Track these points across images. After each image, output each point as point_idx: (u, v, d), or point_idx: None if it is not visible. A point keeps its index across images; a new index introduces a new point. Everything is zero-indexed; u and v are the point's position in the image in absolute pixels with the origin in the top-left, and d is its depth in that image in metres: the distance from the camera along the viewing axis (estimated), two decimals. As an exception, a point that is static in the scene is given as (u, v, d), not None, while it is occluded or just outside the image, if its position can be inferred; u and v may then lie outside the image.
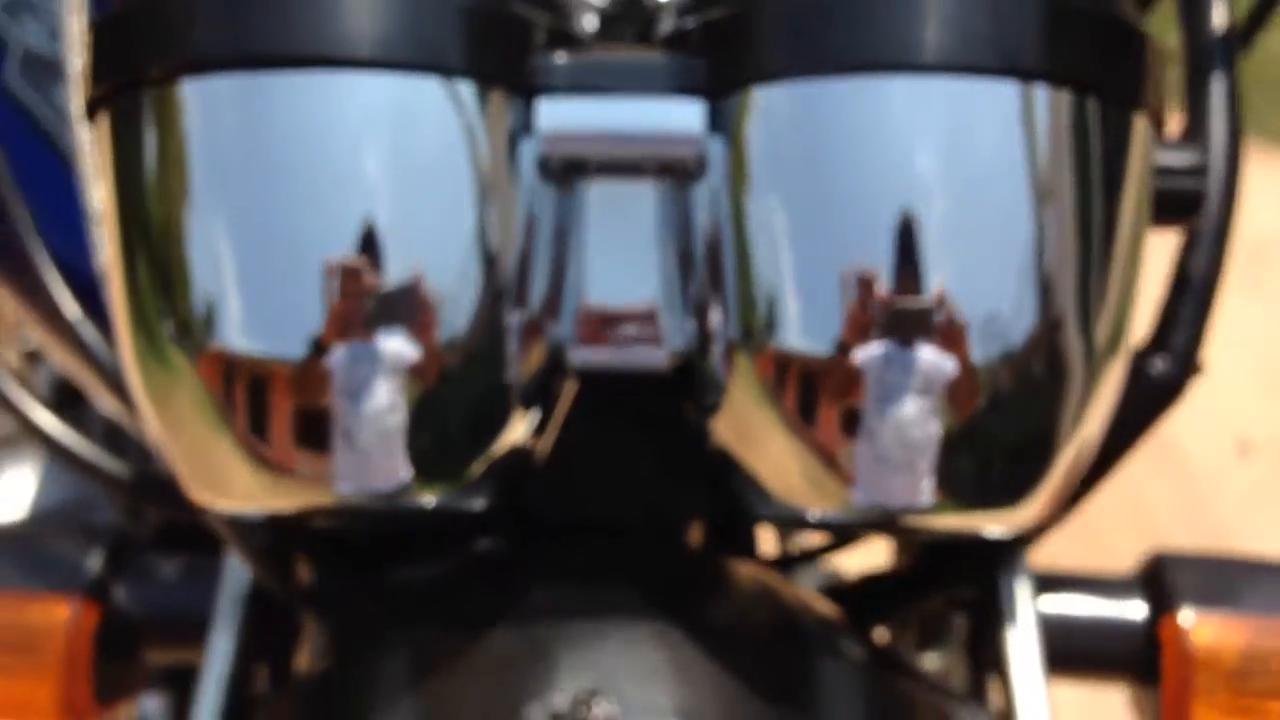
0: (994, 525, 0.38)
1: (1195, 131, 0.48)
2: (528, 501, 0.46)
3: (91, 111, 0.39)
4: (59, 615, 0.49)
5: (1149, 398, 0.47)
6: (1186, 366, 0.47)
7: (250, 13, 0.35)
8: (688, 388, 0.40)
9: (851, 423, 0.36)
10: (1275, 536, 1.73)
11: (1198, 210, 0.47)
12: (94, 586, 0.50)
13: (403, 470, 0.36)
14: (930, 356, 0.35)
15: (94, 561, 0.51)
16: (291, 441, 0.36)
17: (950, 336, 0.35)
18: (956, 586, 0.51)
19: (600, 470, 0.47)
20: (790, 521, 0.39)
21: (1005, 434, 0.36)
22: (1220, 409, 1.83)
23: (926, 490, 0.36)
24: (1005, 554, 0.49)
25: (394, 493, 0.37)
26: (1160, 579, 0.51)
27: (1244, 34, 0.52)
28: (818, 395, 0.36)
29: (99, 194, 0.40)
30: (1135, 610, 0.51)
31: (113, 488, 0.49)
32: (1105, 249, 0.37)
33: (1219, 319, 0.47)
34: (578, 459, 0.45)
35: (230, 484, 0.37)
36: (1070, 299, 0.36)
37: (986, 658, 0.49)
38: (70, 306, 0.48)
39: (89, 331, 0.48)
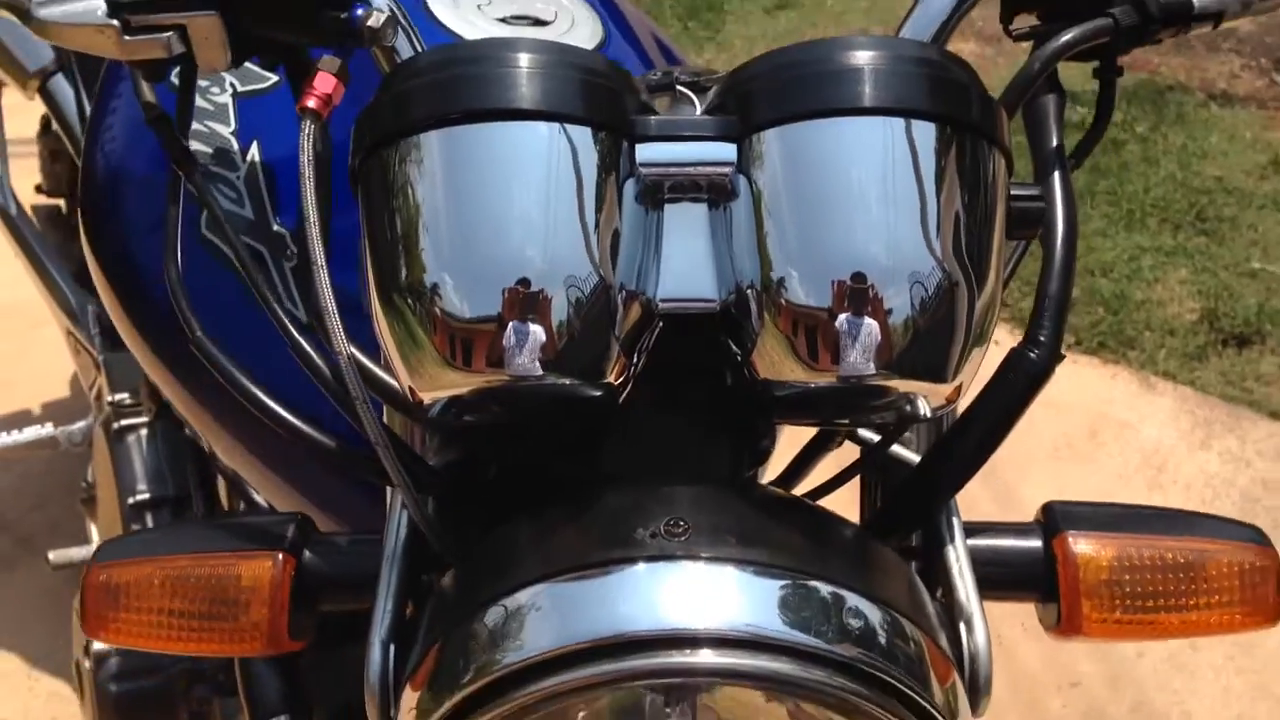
0: (918, 388, 0.57)
1: (1043, 183, 0.66)
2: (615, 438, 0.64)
3: (355, 177, 0.58)
4: (265, 569, 0.65)
5: (1028, 379, 0.64)
6: (1052, 357, 0.65)
7: (453, 87, 0.55)
8: (734, 338, 0.58)
9: (834, 339, 0.55)
10: None
11: (1039, 226, 0.65)
12: (290, 547, 0.66)
13: (539, 366, 0.55)
14: (868, 312, 0.55)
15: (288, 531, 0.67)
16: (483, 354, 0.55)
17: (880, 291, 0.55)
18: (909, 530, 0.67)
19: (666, 417, 0.65)
20: (804, 409, 0.58)
21: (918, 352, 0.56)
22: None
23: (873, 365, 0.55)
24: (941, 504, 0.66)
25: (524, 382, 0.55)
26: (1052, 517, 0.67)
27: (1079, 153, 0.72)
28: (815, 331, 0.55)
29: (364, 232, 0.58)
30: (1035, 540, 0.68)
31: (336, 461, 0.65)
32: (985, 232, 0.57)
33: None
34: (651, 406, 0.62)
35: (442, 379, 0.56)
36: (958, 262, 0.55)
37: (931, 582, 0.66)
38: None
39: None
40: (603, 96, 0.56)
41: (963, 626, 0.62)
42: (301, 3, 0.62)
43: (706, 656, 0.52)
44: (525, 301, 0.54)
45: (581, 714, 0.57)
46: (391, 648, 0.60)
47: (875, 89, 0.55)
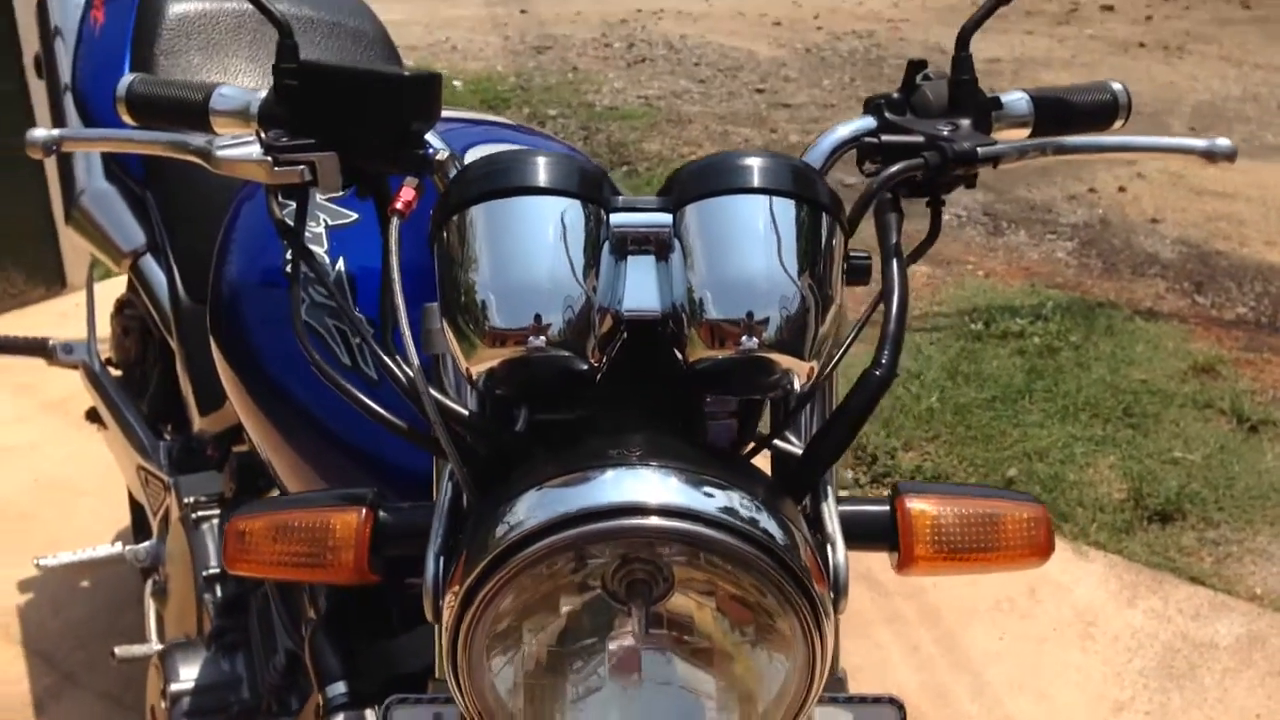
0: (788, 361, 0.85)
1: (884, 268, 0.95)
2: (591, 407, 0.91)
3: (432, 240, 0.88)
4: (352, 520, 0.91)
5: (873, 390, 0.91)
6: (889, 376, 0.92)
7: (494, 176, 0.86)
8: (672, 339, 0.86)
9: (734, 331, 0.84)
10: None
11: (868, 280, 0.94)
12: (370, 505, 0.93)
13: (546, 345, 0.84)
14: (753, 315, 0.84)
15: (368, 495, 0.94)
16: (511, 339, 0.84)
17: (761, 304, 0.84)
18: (800, 494, 0.93)
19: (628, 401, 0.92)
20: (719, 383, 0.87)
21: (782, 352, 0.85)
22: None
23: (757, 345, 0.84)
24: (819, 475, 0.91)
25: (538, 351, 0.83)
26: (896, 489, 0.94)
27: (914, 253, 1.02)
28: (724, 338, 0.84)
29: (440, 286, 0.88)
30: (885, 506, 0.94)
31: (404, 435, 0.92)
32: (827, 271, 0.86)
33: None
34: (619, 385, 0.90)
35: (485, 355, 0.84)
36: (810, 287, 0.84)
37: (814, 529, 0.92)
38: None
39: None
40: (590, 182, 0.87)
41: (829, 548, 0.89)
42: (393, 146, 0.94)
43: (653, 520, 0.78)
44: (539, 307, 0.83)
45: (566, 608, 0.83)
46: (441, 559, 0.87)
47: (758, 178, 0.86)
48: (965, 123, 1.01)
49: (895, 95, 1.05)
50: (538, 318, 0.84)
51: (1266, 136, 5.19)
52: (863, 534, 0.94)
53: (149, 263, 1.83)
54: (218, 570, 1.45)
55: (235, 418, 1.54)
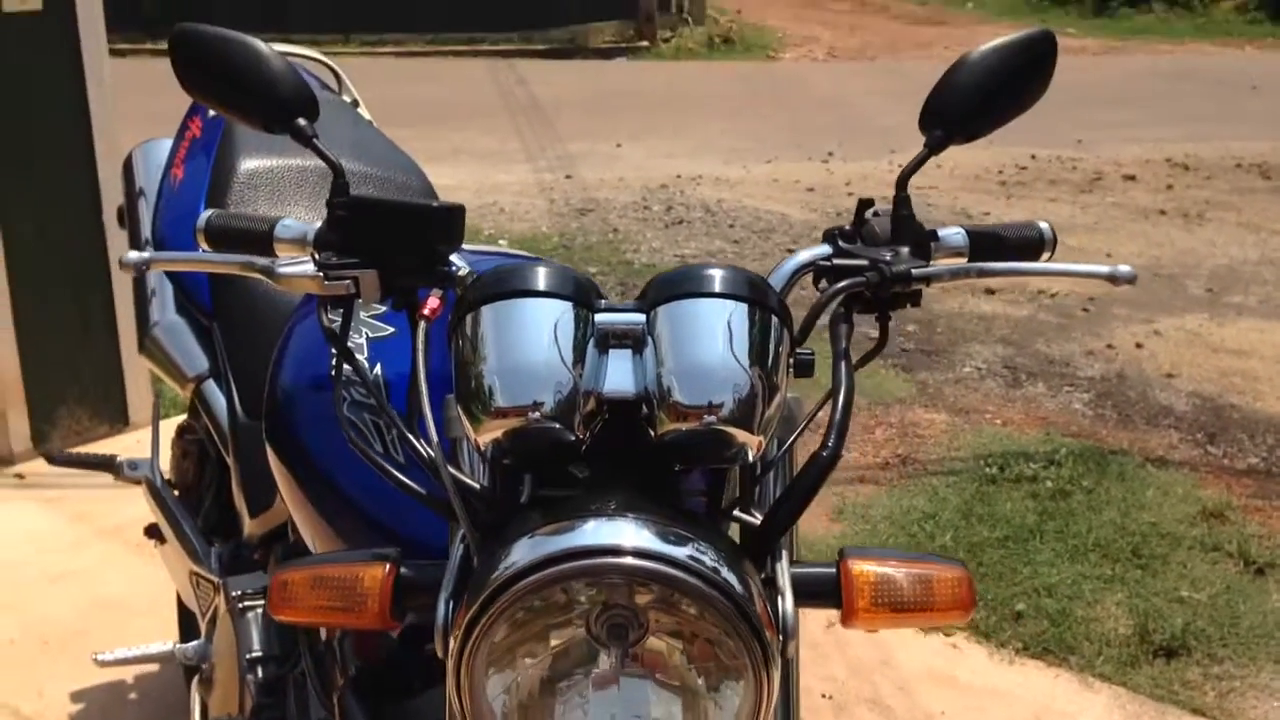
0: (740, 434, 1.00)
1: (834, 370, 1.12)
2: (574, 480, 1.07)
3: (450, 335, 1.06)
4: (378, 573, 1.07)
5: (821, 468, 1.07)
6: (834, 457, 1.07)
7: (500, 281, 1.05)
8: (645, 417, 1.02)
9: (694, 409, 1.00)
10: None
11: (811, 373, 1.11)
12: (393, 561, 1.09)
13: (540, 419, 1.00)
14: (711, 398, 1.00)
15: (392, 552, 1.10)
16: (513, 414, 1.00)
17: (716, 387, 1.00)
18: (759, 559, 1.07)
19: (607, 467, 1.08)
20: (685, 453, 1.03)
21: (735, 426, 1.01)
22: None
23: (715, 420, 1.00)
24: (775, 541, 1.07)
25: (533, 423, 1.00)
26: (842, 553, 1.09)
27: (863, 360, 1.19)
28: (687, 415, 1.00)
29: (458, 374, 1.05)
30: (832, 569, 1.08)
31: (425, 502, 1.09)
32: (774, 363, 1.03)
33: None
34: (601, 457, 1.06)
35: (491, 426, 1.01)
36: (759, 375, 1.01)
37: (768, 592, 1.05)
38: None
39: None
40: (581, 288, 1.05)
41: (780, 600, 1.03)
42: (423, 264, 1.14)
43: (628, 560, 0.94)
44: (534, 389, 1.00)
45: (555, 642, 0.98)
46: (450, 603, 1.02)
47: (719, 285, 1.04)
48: (905, 250, 1.20)
49: (848, 228, 1.24)
50: (534, 397, 1.01)
51: (1282, 298, 5.35)
52: (813, 592, 1.08)
53: (210, 386, 2.04)
54: (260, 654, 1.60)
55: (281, 517, 1.71)
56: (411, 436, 1.08)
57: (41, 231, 3.56)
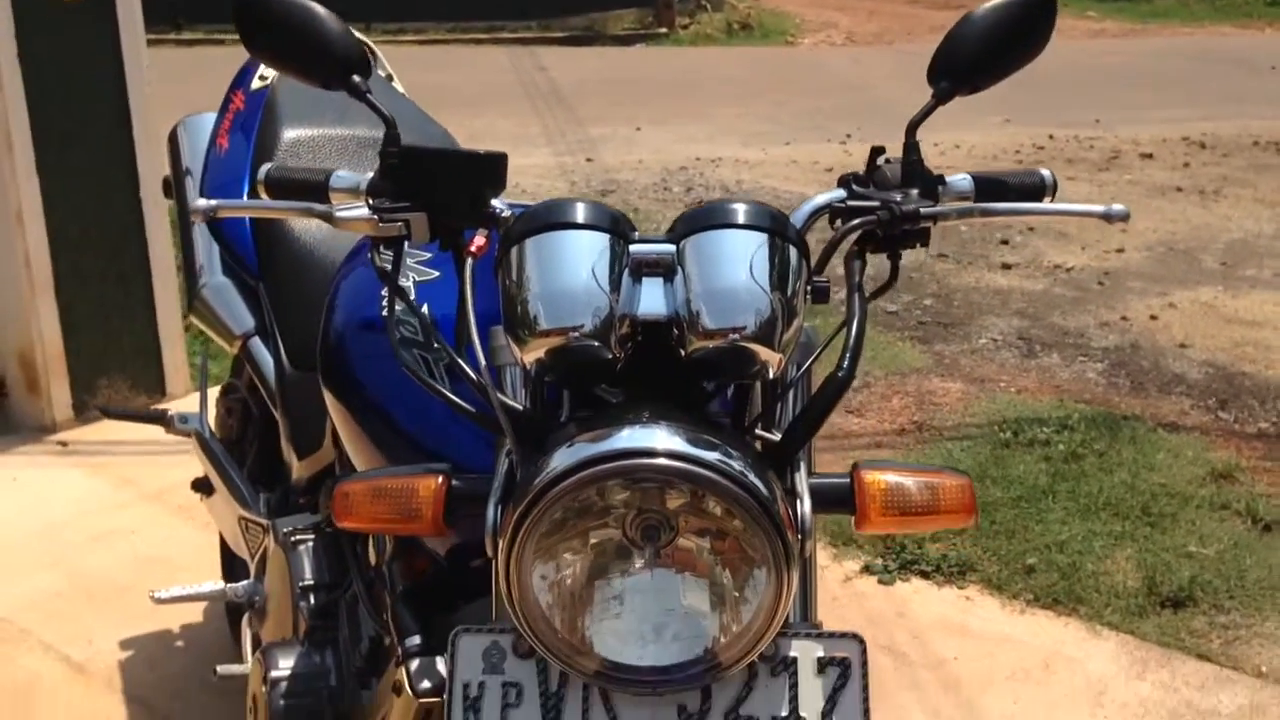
0: (762, 352, 1.11)
1: (848, 302, 1.22)
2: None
3: (497, 267, 1.17)
4: (432, 484, 1.17)
5: (837, 387, 1.17)
6: (849, 377, 1.17)
7: (541, 216, 1.15)
8: (677, 339, 1.12)
9: (721, 327, 1.10)
10: None
11: (827, 299, 1.20)
12: (445, 473, 1.19)
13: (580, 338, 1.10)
14: (735, 317, 1.11)
15: (445, 467, 1.20)
16: (555, 334, 1.11)
17: (740, 308, 1.11)
18: (780, 472, 1.17)
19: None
20: (714, 369, 1.14)
21: (757, 343, 1.11)
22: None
23: (738, 337, 1.11)
24: (795, 453, 1.17)
25: (574, 342, 1.10)
26: (856, 465, 1.19)
27: (876, 293, 1.28)
28: (713, 334, 1.10)
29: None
30: (846, 478, 1.18)
31: (474, 419, 1.19)
32: (792, 288, 1.13)
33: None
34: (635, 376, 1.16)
35: (536, 345, 1.11)
36: (779, 299, 1.11)
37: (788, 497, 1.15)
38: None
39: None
40: (616, 221, 1.15)
41: (799, 504, 1.13)
42: (468, 207, 1.24)
43: (660, 461, 1.04)
44: (575, 313, 1.10)
45: (593, 540, 1.08)
46: (499, 508, 1.12)
47: (742, 218, 1.13)
48: (914, 192, 1.29)
49: (861, 173, 1.34)
50: (574, 319, 1.11)
51: (1296, 270, 5.40)
52: (829, 500, 1.18)
53: (256, 343, 2.15)
54: (312, 581, 1.71)
55: (328, 459, 1.82)
56: (461, 361, 1.19)
57: (81, 210, 3.68)
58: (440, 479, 1.19)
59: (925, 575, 2.95)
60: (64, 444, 3.65)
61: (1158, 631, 2.71)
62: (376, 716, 1.48)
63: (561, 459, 1.07)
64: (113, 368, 3.84)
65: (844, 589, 2.89)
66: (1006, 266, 5.46)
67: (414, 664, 1.32)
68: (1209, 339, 4.60)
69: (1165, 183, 7.03)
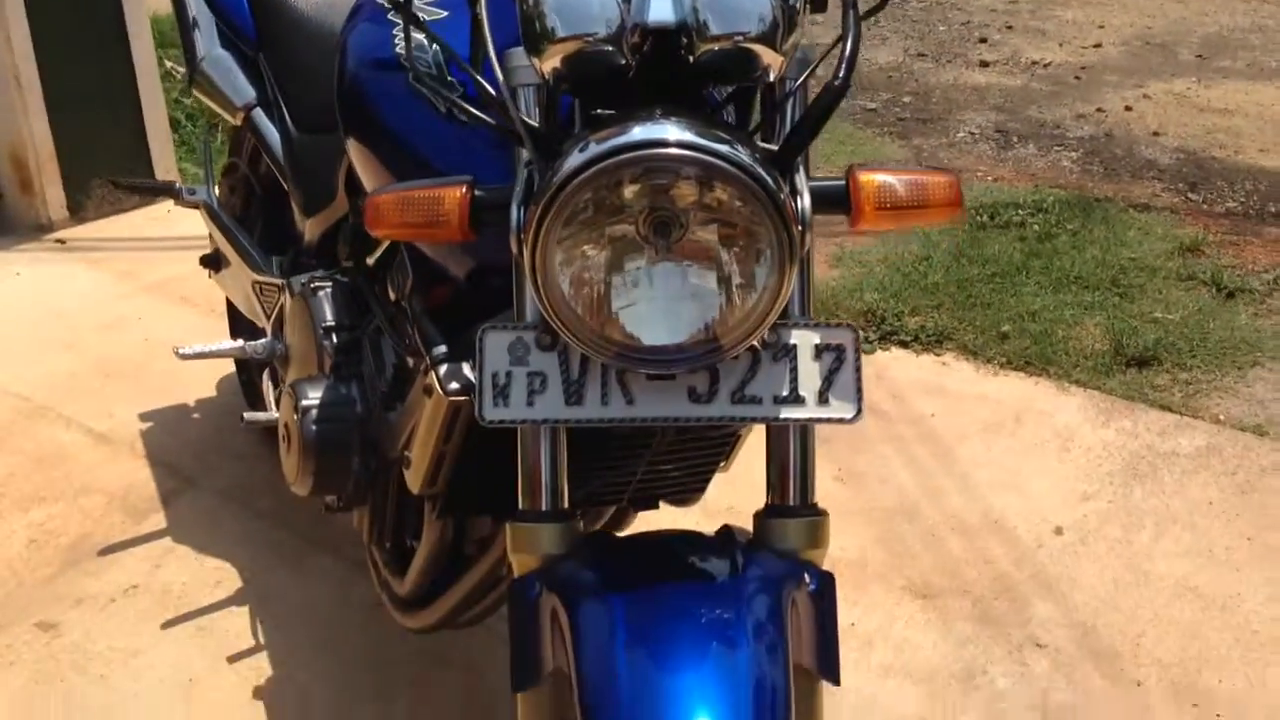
0: (765, 53, 1.18)
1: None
2: None
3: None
4: (457, 193, 1.26)
5: (834, 94, 1.25)
6: (846, 83, 1.26)
7: None
8: (684, 46, 1.19)
9: (725, 30, 1.18)
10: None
11: (825, 8, 1.28)
12: (468, 183, 1.28)
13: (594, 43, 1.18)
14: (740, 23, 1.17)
15: (468, 178, 1.29)
16: (571, 40, 1.17)
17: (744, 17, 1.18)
18: (783, 171, 1.27)
19: None
20: (720, 71, 1.21)
21: (761, 44, 1.17)
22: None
23: (743, 37, 1.17)
24: (795, 156, 1.26)
25: (588, 47, 1.17)
26: (850, 167, 1.29)
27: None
28: (719, 37, 1.18)
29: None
30: (842, 180, 1.28)
31: (493, 129, 1.27)
32: None
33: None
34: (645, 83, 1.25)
35: (554, 51, 1.18)
36: (781, 10, 1.19)
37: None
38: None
39: None
40: None
41: (799, 199, 1.24)
42: None
43: (673, 150, 1.13)
44: (589, 21, 1.17)
45: (610, 233, 1.18)
46: (521, 209, 1.22)
47: None
48: None
49: None
50: (588, 27, 1.19)
51: (1269, 61, 5.45)
52: (826, 200, 1.28)
53: (259, 113, 2.21)
54: (334, 322, 1.82)
55: (340, 212, 1.91)
56: (479, 79, 1.26)
57: (62, 13, 3.66)
58: (465, 188, 1.28)
59: (904, 344, 3.09)
60: (62, 241, 3.72)
61: (1123, 387, 2.87)
62: (404, 431, 1.61)
63: (578, 157, 1.16)
64: (103, 168, 3.88)
65: (827, 357, 3.03)
66: (985, 64, 5.48)
67: (443, 368, 1.43)
68: (1182, 127, 4.68)
69: (1144, -20, 7.01)
